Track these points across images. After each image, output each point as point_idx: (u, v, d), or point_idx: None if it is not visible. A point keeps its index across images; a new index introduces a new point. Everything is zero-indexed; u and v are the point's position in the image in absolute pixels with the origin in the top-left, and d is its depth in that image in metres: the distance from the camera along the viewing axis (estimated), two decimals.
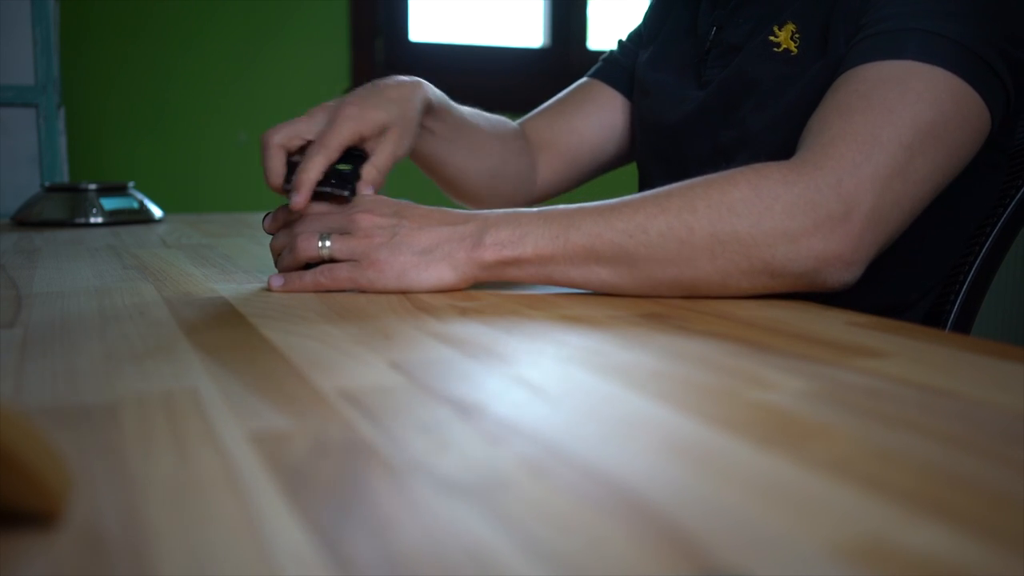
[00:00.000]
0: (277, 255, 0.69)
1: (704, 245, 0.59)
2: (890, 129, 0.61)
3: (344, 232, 0.64)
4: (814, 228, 0.58)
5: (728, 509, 0.27)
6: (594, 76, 0.99)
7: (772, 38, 0.76)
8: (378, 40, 1.99)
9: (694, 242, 0.59)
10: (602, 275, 0.61)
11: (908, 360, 0.45)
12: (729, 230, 0.59)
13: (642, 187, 0.94)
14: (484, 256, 0.62)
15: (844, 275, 0.60)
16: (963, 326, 0.80)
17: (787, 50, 0.75)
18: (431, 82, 0.80)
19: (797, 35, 0.74)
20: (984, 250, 0.79)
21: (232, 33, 1.88)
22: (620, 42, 1.00)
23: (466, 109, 0.89)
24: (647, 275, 0.61)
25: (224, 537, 0.25)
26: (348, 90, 1.96)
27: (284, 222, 0.69)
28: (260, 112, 1.91)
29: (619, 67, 0.97)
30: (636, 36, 0.99)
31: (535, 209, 0.64)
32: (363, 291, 0.64)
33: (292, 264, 0.66)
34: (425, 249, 0.63)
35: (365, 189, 0.69)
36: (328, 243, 0.64)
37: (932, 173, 0.63)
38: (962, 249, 0.80)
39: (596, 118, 0.96)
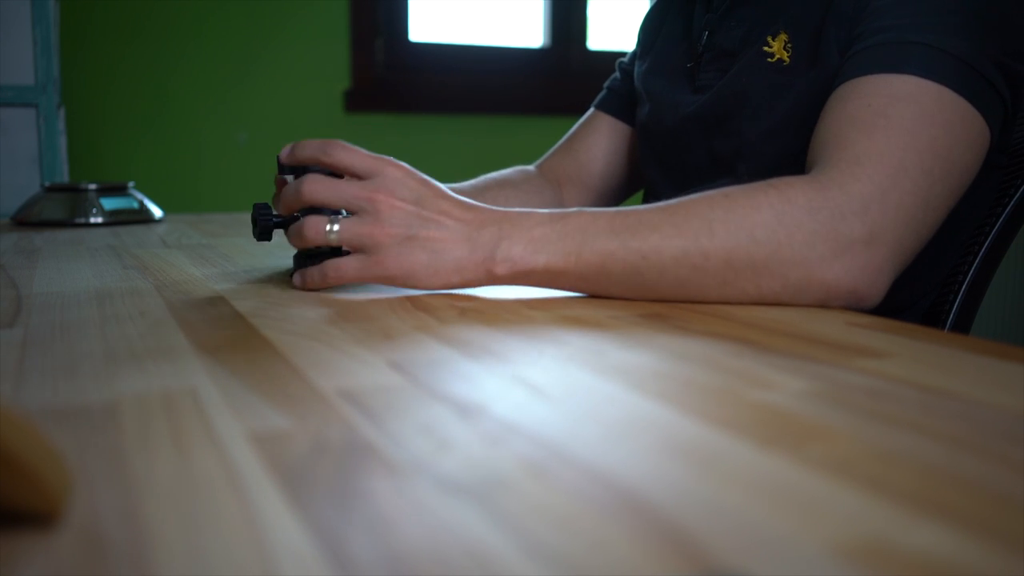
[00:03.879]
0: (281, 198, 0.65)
1: (717, 272, 0.58)
2: (914, 154, 0.60)
3: (360, 210, 0.61)
4: (833, 258, 0.57)
5: (729, 509, 0.27)
6: (598, 107, 1.02)
7: (766, 48, 0.76)
8: (378, 40, 1.99)
9: (707, 269, 0.58)
10: (611, 291, 0.61)
11: (908, 360, 0.45)
12: (745, 258, 0.57)
13: (647, 195, 0.95)
14: (495, 270, 0.61)
15: (856, 307, 0.59)
16: (962, 326, 0.80)
17: (780, 60, 0.75)
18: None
19: (789, 44, 0.74)
20: (983, 250, 0.79)
21: (232, 33, 1.88)
22: (619, 64, 1.02)
23: (489, 186, 0.94)
24: (656, 295, 0.60)
25: (224, 537, 0.25)
26: (348, 90, 1.98)
27: (299, 161, 0.64)
28: (260, 112, 1.91)
29: (618, 95, 1.00)
30: (632, 57, 1.01)
31: (552, 213, 0.62)
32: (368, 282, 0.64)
33: (298, 246, 0.64)
34: (437, 251, 0.61)
35: None
36: (336, 228, 0.62)
37: (947, 200, 0.62)
38: (961, 249, 0.80)
39: (599, 150, 1.00)
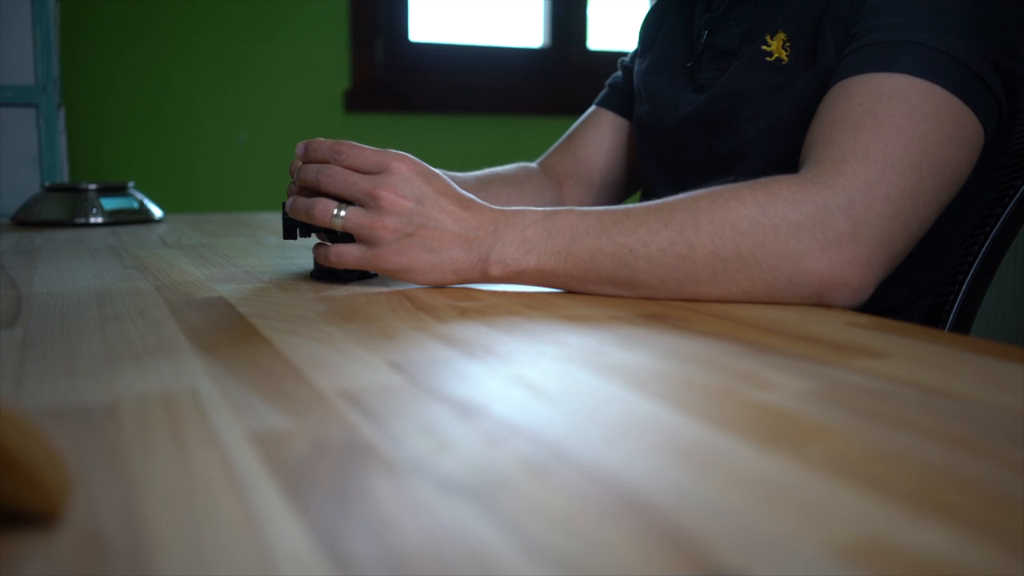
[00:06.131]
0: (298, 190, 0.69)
1: (705, 263, 0.58)
2: (900, 150, 0.60)
3: (365, 203, 0.64)
4: (820, 250, 0.57)
5: (729, 509, 0.27)
6: (600, 104, 1.02)
7: (765, 47, 0.76)
8: (378, 40, 1.99)
9: (695, 258, 0.58)
10: (603, 287, 0.62)
11: (908, 360, 0.45)
12: (731, 249, 0.58)
13: (645, 194, 0.95)
14: (489, 271, 0.63)
15: (849, 300, 0.59)
16: (962, 326, 0.80)
17: (779, 59, 0.75)
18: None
19: (788, 44, 0.74)
20: (983, 250, 0.79)
21: (232, 33, 1.88)
22: (621, 63, 1.02)
23: (492, 181, 0.94)
24: (647, 289, 0.61)
25: (224, 537, 0.25)
26: (348, 90, 1.97)
27: (312, 162, 0.67)
28: (260, 112, 1.91)
29: (620, 92, 1.00)
30: (633, 55, 1.01)
31: (544, 212, 0.63)
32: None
33: (303, 220, 0.67)
34: (435, 250, 0.63)
35: None
36: (343, 214, 0.64)
37: (938, 195, 0.62)
38: (961, 249, 0.80)
39: (599, 146, 1.00)
